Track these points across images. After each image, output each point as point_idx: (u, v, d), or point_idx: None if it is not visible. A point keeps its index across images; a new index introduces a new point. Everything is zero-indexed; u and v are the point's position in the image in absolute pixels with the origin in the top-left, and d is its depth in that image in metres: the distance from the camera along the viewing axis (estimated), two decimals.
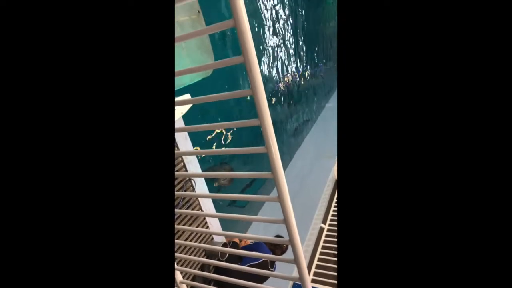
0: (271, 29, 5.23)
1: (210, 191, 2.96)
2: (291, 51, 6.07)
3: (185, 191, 2.14)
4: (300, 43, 6.52)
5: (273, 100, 5.45)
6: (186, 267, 2.20)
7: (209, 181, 3.59)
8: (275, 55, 5.46)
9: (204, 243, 2.47)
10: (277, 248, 2.28)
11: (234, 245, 2.30)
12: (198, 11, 2.02)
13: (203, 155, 3.74)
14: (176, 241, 1.05)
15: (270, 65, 5.33)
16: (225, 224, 3.62)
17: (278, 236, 2.19)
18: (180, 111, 2.02)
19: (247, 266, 2.06)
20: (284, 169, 0.66)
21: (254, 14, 4.76)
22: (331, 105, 8.23)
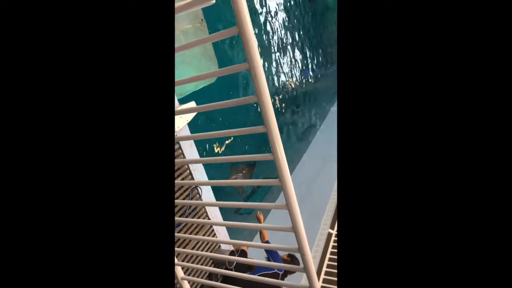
0: (274, 35, 5.25)
1: (219, 197, 2.95)
2: (295, 55, 6.08)
3: (191, 199, 2.14)
4: (305, 47, 6.53)
5: (277, 105, 5.45)
6: (193, 276, 2.18)
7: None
8: (279, 60, 5.47)
9: (211, 251, 2.46)
10: (293, 260, 2.23)
11: (242, 253, 2.27)
12: (202, 20, 2.04)
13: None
14: (182, 250, 1.03)
15: (274, 70, 5.35)
16: (232, 231, 3.58)
17: (290, 255, 2.21)
18: (185, 118, 2.02)
19: (258, 275, 2.00)
20: (290, 174, 0.64)
21: (257, 20, 4.79)
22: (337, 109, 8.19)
